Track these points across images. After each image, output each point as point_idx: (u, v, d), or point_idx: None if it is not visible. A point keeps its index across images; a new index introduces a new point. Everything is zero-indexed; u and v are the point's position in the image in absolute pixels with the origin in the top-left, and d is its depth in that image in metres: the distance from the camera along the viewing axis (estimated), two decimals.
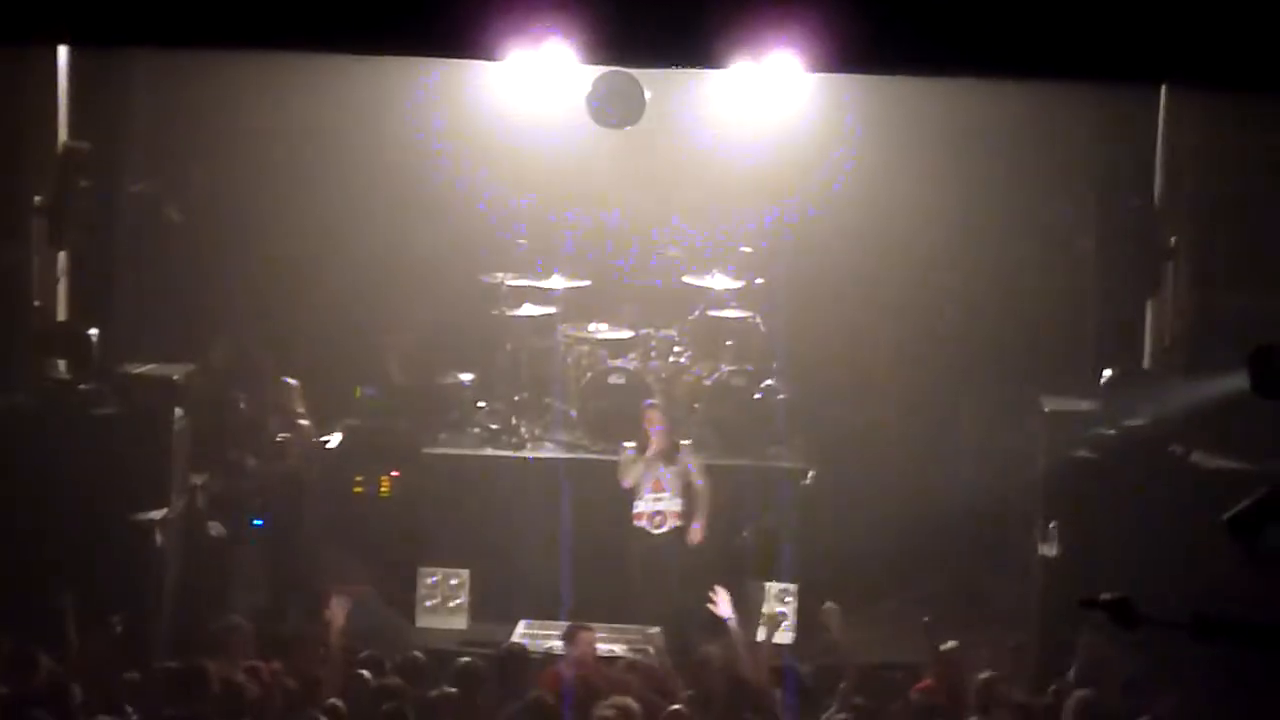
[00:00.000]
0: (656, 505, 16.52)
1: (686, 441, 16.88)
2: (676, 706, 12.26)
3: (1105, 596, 8.16)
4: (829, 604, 14.51)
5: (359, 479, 17.66)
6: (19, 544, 14.71)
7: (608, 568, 16.95)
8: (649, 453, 16.57)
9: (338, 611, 13.35)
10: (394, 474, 17.64)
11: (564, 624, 14.83)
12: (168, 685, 12.34)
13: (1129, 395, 15.63)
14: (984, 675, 13.04)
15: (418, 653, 13.69)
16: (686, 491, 16.55)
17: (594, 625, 14.75)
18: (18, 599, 14.18)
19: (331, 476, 17.49)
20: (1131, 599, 8.09)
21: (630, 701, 12.17)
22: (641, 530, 16.53)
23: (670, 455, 16.58)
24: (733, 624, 14.12)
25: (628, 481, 16.58)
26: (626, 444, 16.81)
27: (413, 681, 12.69)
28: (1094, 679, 12.90)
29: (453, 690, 12.40)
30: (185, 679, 12.27)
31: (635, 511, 16.54)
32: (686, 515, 16.53)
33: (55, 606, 13.56)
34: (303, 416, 17.52)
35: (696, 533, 16.52)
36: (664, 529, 16.51)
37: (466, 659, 13.33)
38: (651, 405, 16.94)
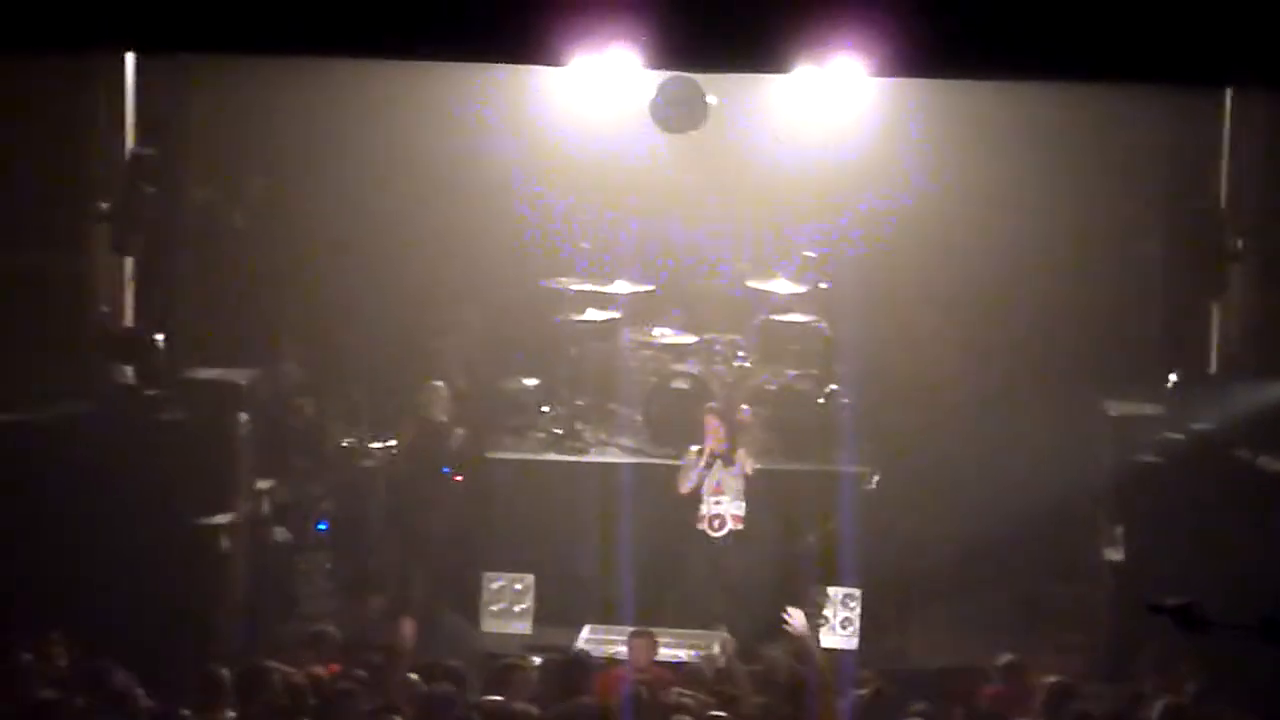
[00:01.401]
0: (716, 508, 16.46)
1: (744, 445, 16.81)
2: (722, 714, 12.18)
3: (1172, 601, 8.11)
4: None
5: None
6: (85, 549, 14.79)
7: (673, 572, 16.96)
8: (706, 455, 16.53)
9: (408, 633, 13.35)
10: (458, 479, 17.63)
11: (628, 629, 14.83)
12: (232, 687, 12.37)
13: (1195, 399, 15.56)
14: (1051, 680, 13.01)
15: (454, 661, 13.64)
16: (746, 491, 16.50)
17: (658, 631, 14.75)
18: (83, 603, 14.28)
19: (396, 481, 17.49)
20: (1198, 603, 8.03)
21: None
22: (702, 533, 16.50)
23: (730, 458, 16.53)
24: (808, 640, 14.06)
25: (686, 485, 16.52)
26: (693, 447, 16.78)
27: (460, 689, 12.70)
28: (1162, 684, 12.83)
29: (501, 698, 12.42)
30: (249, 681, 12.30)
31: (699, 514, 16.51)
32: (747, 518, 16.50)
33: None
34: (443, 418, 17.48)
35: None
36: (722, 532, 16.46)
37: (508, 661, 13.39)
38: (712, 408, 16.88)
